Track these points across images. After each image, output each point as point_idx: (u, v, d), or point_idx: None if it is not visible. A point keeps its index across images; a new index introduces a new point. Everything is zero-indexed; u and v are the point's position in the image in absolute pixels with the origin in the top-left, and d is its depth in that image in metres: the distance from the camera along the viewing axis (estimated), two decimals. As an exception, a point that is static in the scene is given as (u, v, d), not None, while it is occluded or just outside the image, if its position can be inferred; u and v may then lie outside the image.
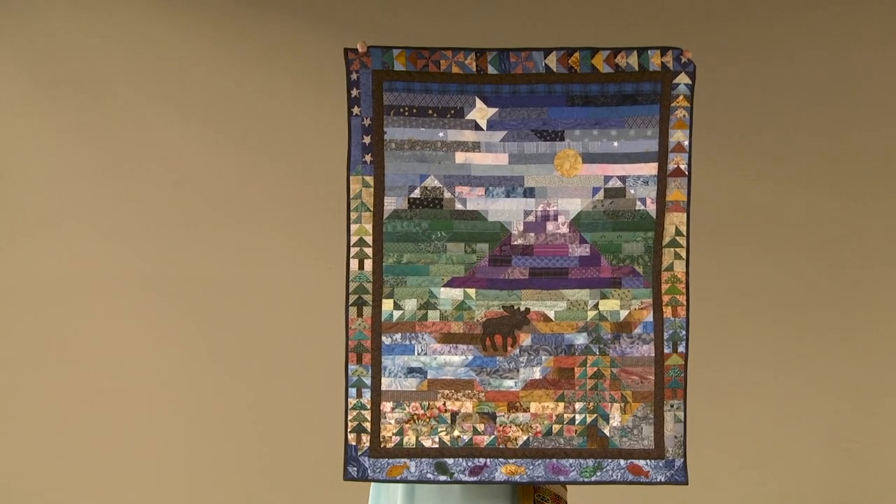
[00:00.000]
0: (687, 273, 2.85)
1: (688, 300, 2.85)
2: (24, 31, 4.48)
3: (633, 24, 4.48)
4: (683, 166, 2.85)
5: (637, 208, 2.83)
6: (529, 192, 2.83)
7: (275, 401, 4.49)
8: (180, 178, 4.52)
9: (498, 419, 2.81)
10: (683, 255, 2.85)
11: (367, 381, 2.80)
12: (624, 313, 2.83)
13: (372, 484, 2.96)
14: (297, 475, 4.48)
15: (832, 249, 4.51)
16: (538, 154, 2.83)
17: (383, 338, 2.81)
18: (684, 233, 2.85)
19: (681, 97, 2.83)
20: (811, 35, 4.51)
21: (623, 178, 2.84)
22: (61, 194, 4.49)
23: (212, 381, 4.49)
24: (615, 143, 2.84)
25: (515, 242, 2.83)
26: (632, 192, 2.84)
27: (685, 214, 2.85)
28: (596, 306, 2.83)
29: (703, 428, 4.43)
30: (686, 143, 2.84)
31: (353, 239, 2.81)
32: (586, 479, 2.80)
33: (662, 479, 2.82)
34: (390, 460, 2.79)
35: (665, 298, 2.84)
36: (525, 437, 2.81)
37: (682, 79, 2.84)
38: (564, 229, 2.82)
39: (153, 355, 4.48)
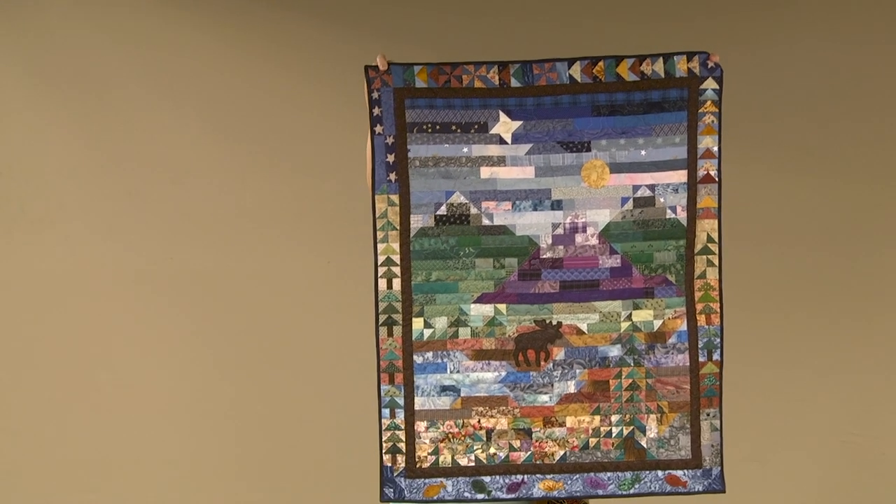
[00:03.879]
0: (720, 280, 2.81)
1: (721, 307, 2.81)
2: (22, 27, 4.46)
3: (651, 21, 4.45)
4: (714, 172, 2.81)
5: (667, 217, 2.80)
6: (557, 205, 2.80)
7: (276, 398, 4.49)
8: (179, 174, 4.51)
9: (534, 435, 2.79)
10: (716, 262, 2.81)
11: (400, 401, 2.78)
12: (658, 323, 2.80)
13: None
14: (294, 470, 4.48)
15: (835, 242, 4.48)
16: (565, 166, 2.80)
17: (415, 357, 2.79)
18: (716, 239, 2.82)
19: (708, 102, 2.79)
20: (829, 28, 4.47)
21: (652, 187, 2.80)
22: (60, 191, 4.49)
23: (210, 377, 4.49)
24: (643, 152, 2.80)
25: (544, 256, 2.80)
26: (661, 200, 2.80)
27: (717, 221, 2.82)
28: (629, 317, 2.80)
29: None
30: (715, 148, 2.81)
31: (381, 258, 2.79)
32: (625, 493, 2.78)
33: (700, 489, 2.80)
34: (426, 480, 2.77)
35: (699, 307, 2.81)
36: (562, 452, 2.79)
37: (710, 84, 2.80)
38: (594, 241, 2.79)
39: (152, 351, 4.48)
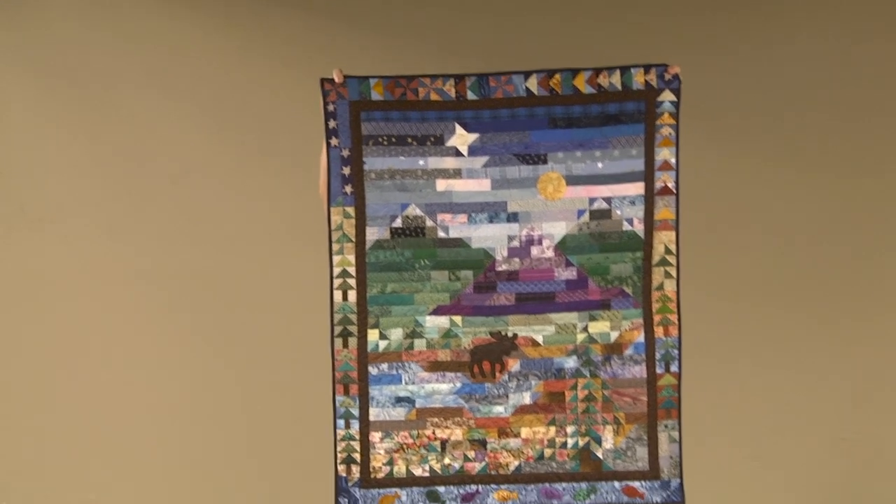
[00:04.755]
0: (678, 292, 2.81)
1: (679, 319, 2.82)
2: (23, 25, 4.48)
3: (626, 15, 4.44)
4: (671, 184, 2.81)
5: (624, 229, 2.80)
6: (513, 217, 2.81)
7: (276, 396, 4.50)
8: (179, 172, 4.52)
9: (489, 445, 2.80)
10: (674, 273, 2.82)
11: (355, 412, 2.80)
12: (614, 335, 2.81)
13: None
14: (291, 472, 4.50)
15: (829, 241, 4.47)
16: (521, 178, 2.80)
17: (370, 368, 2.80)
18: (674, 251, 2.82)
19: (666, 114, 2.79)
20: (807, 25, 4.45)
21: (609, 200, 2.81)
22: (60, 190, 4.50)
23: (211, 375, 4.50)
24: (599, 164, 2.80)
25: (500, 268, 2.80)
26: (618, 212, 2.81)
27: (674, 233, 2.82)
28: (585, 329, 2.80)
29: (704, 420, 4.41)
30: (673, 160, 2.80)
31: (336, 270, 2.80)
32: (580, 503, 2.79)
33: (658, 501, 2.81)
34: (381, 490, 2.79)
35: (656, 318, 2.81)
36: (517, 463, 2.80)
37: (667, 96, 2.79)
38: (550, 253, 2.80)
39: (152, 350, 4.49)
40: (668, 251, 2.82)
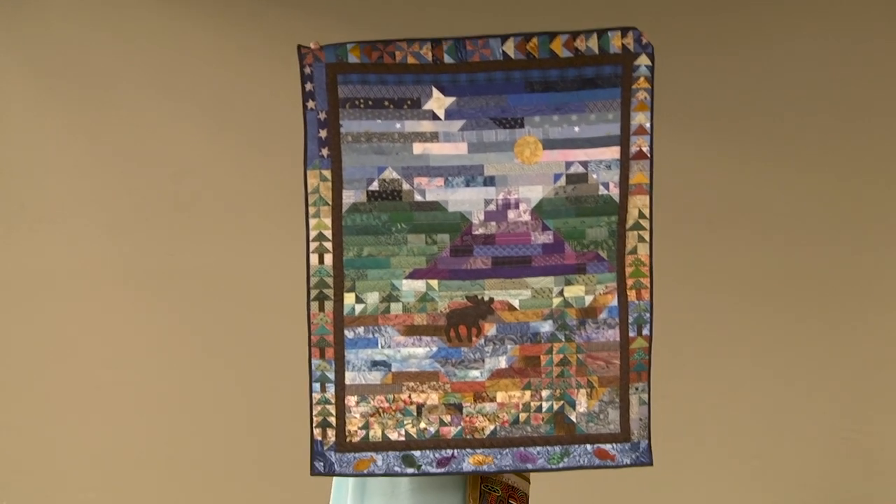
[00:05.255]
0: (651, 256, 2.82)
1: (651, 283, 2.82)
2: (23, 24, 4.48)
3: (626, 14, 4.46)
4: (646, 149, 2.82)
5: (600, 193, 2.81)
6: (490, 181, 2.81)
7: (278, 395, 4.49)
8: (179, 171, 4.52)
9: (464, 410, 2.80)
10: (647, 237, 2.82)
11: (331, 375, 2.79)
12: (589, 299, 2.81)
13: (333, 481, 2.96)
14: (291, 472, 4.49)
15: (830, 238, 4.52)
16: (498, 142, 2.80)
17: (346, 332, 2.79)
18: (647, 216, 2.82)
19: (642, 79, 2.80)
20: (805, 24, 4.48)
21: (585, 164, 2.81)
22: (61, 188, 4.51)
23: (212, 374, 4.51)
24: (576, 129, 2.80)
25: (476, 232, 2.80)
26: (594, 176, 2.81)
27: (648, 197, 2.83)
28: (561, 293, 2.80)
29: (704, 418, 4.43)
30: (648, 125, 2.81)
31: (313, 234, 2.79)
32: (554, 466, 2.79)
33: (628, 462, 2.81)
34: (356, 454, 2.78)
35: (629, 282, 2.82)
36: (492, 427, 2.80)
37: (643, 60, 2.80)
38: (526, 217, 2.80)
39: (152, 349, 4.50)
40: (641, 215, 2.82)
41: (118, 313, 4.48)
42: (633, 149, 2.81)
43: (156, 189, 4.51)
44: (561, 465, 2.79)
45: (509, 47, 2.79)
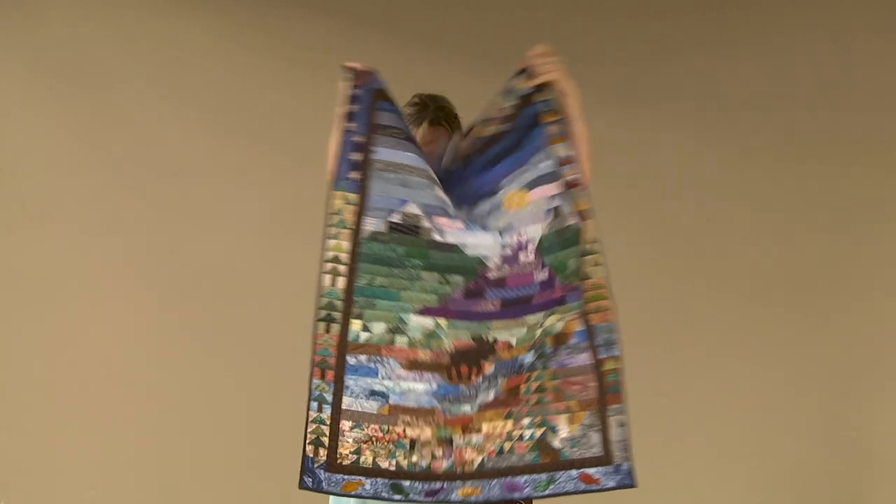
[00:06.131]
0: (607, 278, 2.83)
1: (612, 304, 2.83)
2: (22, 23, 4.50)
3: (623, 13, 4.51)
4: (577, 177, 2.83)
5: (569, 223, 2.82)
6: (508, 228, 2.83)
7: (277, 394, 4.46)
8: (180, 169, 4.53)
9: (454, 443, 2.79)
10: (601, 260, 2.84)
11: (329, 397, 2.77)
12: (560, 325, 2.81)
13: None
14: (290, 469, 4.46)
15: (825, 235, 4.57)
16: (489, 212, 2.83)
17: (348, 357, 2.77)
18: (597, 239, 2.84)
19: (544, 114, 2.84)
20: (803, 22, 4.61)
21: (556, 197, 2.83)
22: (61, 188, 4.51)
23: (211, 373, 4.49)
24: (541, 165, 2.84)
25: (491, 276, 2.81)
26: (563, 209, 2.83)
27: (593, 221, 2.85)
28: (542, 324, 2.81)
29: (704, 417, 4.44)
30: (571, 153, 2.83)
31: (329, 255, 2.78)
32: (540, 493, 2.77)
33: (612, 485, 2.79)
34: (346, 476, 2.76)
35: (590, 306, 2.82)
36: (480, 458, 2.79)
37: (536, 97, 2.87)
38: (531, 257, 2.81)
39: (153, 347, 4.49)
40: (593, 240, 2.85)
41: (118, 313, 4.49)
42: (567, 179, 2.83)
43: (156, 189, 4.52)
44: (547, 491, 2.77)
45: (456, 144, 2.85)
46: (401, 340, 2.78)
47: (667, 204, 4.70)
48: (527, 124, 2.85)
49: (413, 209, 2.80)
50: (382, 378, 2.77)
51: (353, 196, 2.79)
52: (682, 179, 4.64)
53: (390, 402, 2.78)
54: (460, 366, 2.79)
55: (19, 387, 4.44)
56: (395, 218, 2.79)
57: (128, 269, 4.51)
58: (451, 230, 2.80)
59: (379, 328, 2.78)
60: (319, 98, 4.55)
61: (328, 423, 2.77)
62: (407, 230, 2.79)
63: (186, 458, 4.48)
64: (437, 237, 2.79)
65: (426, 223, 2.79)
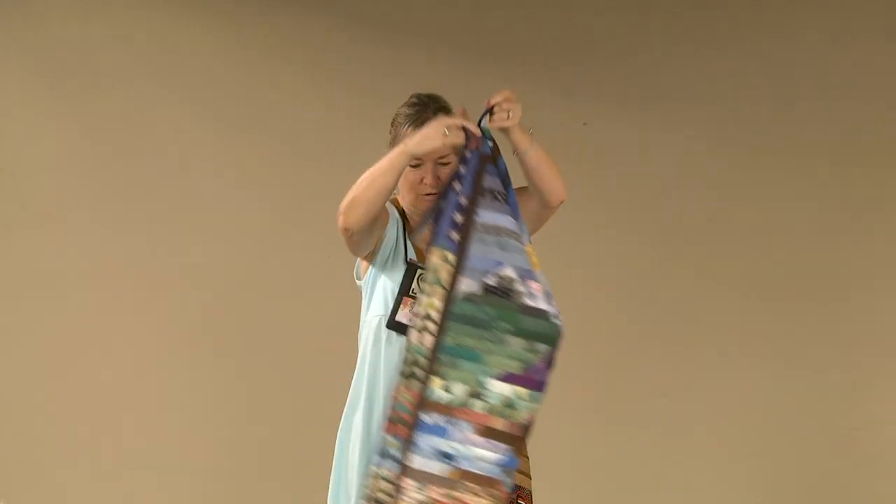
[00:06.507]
0: None
1: None
2: (22, 22, 4.47)
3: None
4: None
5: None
6: None
7: (276, 392, 4.46)
8: (180, 168, 4.51)
9: None
10: None
11: (397, 454, 2.71)
12: None
13: (331, 481, 2.95)
14: (294, 467, 4.44)
15: (827, 235, 4.62)
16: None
17: (423, 415, 2.70)
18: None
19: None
20: (802, 21, 4.67)
21: None
22: (61, 186, 4.49)
23: (212, 372, 4.46)
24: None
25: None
26: None
27: None
28: None
29: (703, 416, 4.48)
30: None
31: (421, 311, 2.72)
32: None
33: None
34: None
35: None
36: None
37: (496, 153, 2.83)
38: None
39: (153, 346, 4.46)
40: None
41: (119, 312, 4.48)
42: None
43: (156, 187, 4.50)
44: None
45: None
46: (478, 405, 2.72)
47: (667, 203, 4.74)
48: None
49: (509, 272, 2.74)
50: (453, 441, 2.71)
51: (451, 256, 2.72)
52: (682, 178, 4.71)
53: (460, 466, 2.71)
54: (525, 441, 2.74)
55: (19, 386, 4.38)
56: (491, 280, 2.73)
57: (128, 269, 4.52)
58: (541, 295, 2.75)
59: (458, 389, 2.71)
60: (320, 96, 4.59)
61: (391, 480, 2.69)
62: (501, 293, 2.72)
63: (186, 456, 4.44)
64: (529, 301, 2.73)
65: (520, 287, 2.74)
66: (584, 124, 4.66)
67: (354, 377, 3.00)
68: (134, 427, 4.46)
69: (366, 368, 2.97)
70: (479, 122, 2.79)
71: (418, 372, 2.72)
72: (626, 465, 4.67)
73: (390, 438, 2.71)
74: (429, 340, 2.71)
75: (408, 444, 2.70)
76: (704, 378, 4.66)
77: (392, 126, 2.98)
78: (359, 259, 3.04)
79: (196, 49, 4.57)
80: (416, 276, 2.92)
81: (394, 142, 2.90)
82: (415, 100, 2.97)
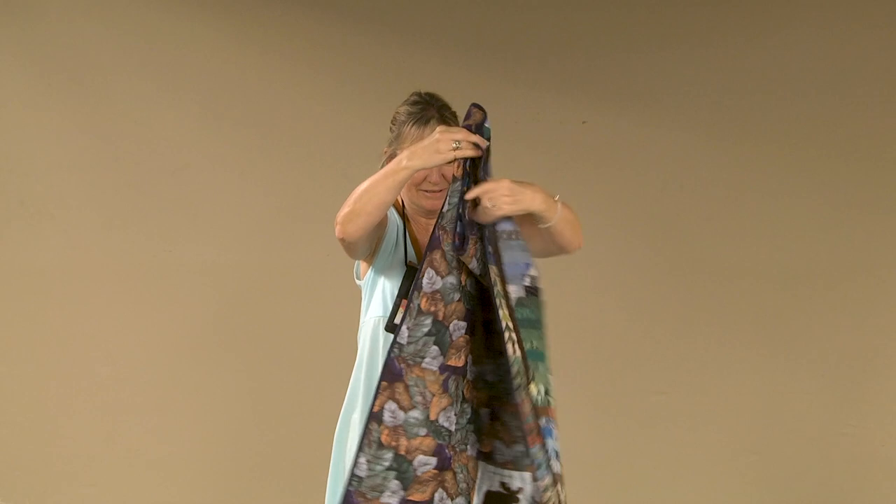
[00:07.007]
0: None
1: None
2: (22, 21, 4.45)
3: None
4: None
5: None
6: None
7: (275, 392, 4.47)
8: (179, 166, 4.50)
9: None
10: None
11: (549, 462, 2.72)
12: None
13: (329, 482, 2.94)
14: (293, 467, 4.48)
15: (829, 234, 4.73)
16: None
17: (541, 422, 2.73)
18: None
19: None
20: (801, 18, 4.78)
21: None
22: (60, 184, 4.46)
23: (210, 371, 4.46)
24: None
25: None
26: None
27: None
28: None
29: (703, 415, 4.69)
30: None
31: (503, 324, 2.71)
32: None
33: None
34: None
35: None
36: None
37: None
38: None
39: (151, 344, 4.45)
40: None
41: (116, 309, 4.49)
42: None
43: (154, 185, 4.51)
44: None
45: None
46: (551, 401, 2.79)
47: (665, 201, 4.80)
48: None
49: (534, 271, 2.82)
50: (556, 439, 2.77)
51: (495, 268, 2.74)
52: (680, 176, 4.75)
53: (561, 462, 2.78)
54: None
55: (17, 384, 4.36)
56: (527, 282, 2.81)
57: (127, 266, 4.49)
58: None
59: (542, 390, 2.77)
60: (320, 94, 4.60)
61: (557, 486, 2.73)
62: (536, 292, 2.81)
63: (184, 454, 4.44)
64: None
65: (541, 282, 2.82)
66: (583, 122, 4.64)
67: (352, 376, 2.96)
68: (131, 422, 4.46)
69: (363, 368, 2.93)
70: (480, 127, 2.75)
71: (522, 381, 2.72)
72: (624, 463, 4.67)
73: (537, 451, 2.70)
74: (518, 350, 2.73)
75: (546, 451, 2.72)
76: (702, 376, 4.69)
77: (393, 124, 2.93)
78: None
79: (196, 47, 4.58)
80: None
81: (395, 140, 2.89)
82: (416, 98, 2.94)
